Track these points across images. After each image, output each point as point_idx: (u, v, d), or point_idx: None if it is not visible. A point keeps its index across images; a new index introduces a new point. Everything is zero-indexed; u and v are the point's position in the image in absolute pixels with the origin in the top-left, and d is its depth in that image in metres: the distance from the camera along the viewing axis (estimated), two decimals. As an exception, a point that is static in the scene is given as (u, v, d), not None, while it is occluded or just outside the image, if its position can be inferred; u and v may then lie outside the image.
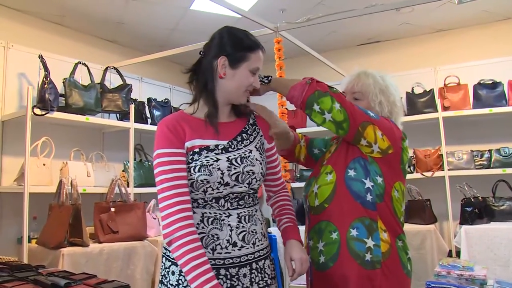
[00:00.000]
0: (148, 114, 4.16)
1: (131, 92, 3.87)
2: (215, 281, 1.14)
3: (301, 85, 1.40)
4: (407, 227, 3.79)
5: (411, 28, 4.35)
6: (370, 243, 1.38)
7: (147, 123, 4.08)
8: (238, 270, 1.24)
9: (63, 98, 3.43)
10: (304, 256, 1.35)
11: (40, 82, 3.27)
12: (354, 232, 1.39)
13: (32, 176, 3.18)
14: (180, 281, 1.23)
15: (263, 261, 1.32)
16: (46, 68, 3.28)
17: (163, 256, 1.31)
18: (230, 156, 1.28)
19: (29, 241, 3.27)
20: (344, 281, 1.37)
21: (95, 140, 3.99)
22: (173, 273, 1.25)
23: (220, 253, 1.23)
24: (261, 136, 1.42)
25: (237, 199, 1.27)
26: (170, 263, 1.26)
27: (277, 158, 1.49)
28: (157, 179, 1.24)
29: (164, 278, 1.28)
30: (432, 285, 2.77)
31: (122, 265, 3.17)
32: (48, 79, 3.24)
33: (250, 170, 1.29)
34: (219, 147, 1.29)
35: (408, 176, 3.97)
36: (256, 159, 1.32)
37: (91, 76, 3.64)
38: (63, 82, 3.44)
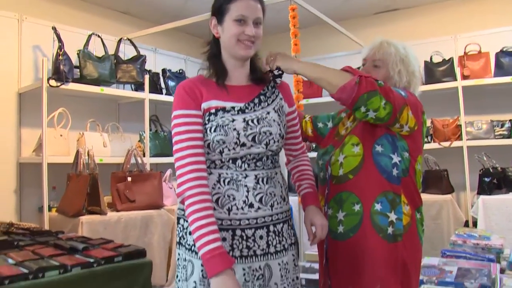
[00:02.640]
0: (163, 85, 4.15)
1: (145, 63, 3.86)
2: (218, 243, 1.14)
3: (351, 87, 1.31)
4: (424, 197, 3.74)
5: (429, -6, 4.21)
6: (392, 217, 1.39)
7: (162, 94, 4.08)
8: (254, 231, 1.24)
9: (78, 70, 3.44)
10: (325, 222, 1.36)
11: (55, 54, 3.28)
12: (378, 207, 1.39)
13: (50, 146, 3.23)
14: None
15: (281, 224, 1.31)
16: (60, 40, 3.28)
17: (180, 218, 1.32)
18: (246, 117, 1.27)
19: (49, 210, 3.35)
20: (363, 252, 1.38)
21: (110, 111, 4.01)
22: (190, 233, 1.26)
23: (236, 214, 1.23)
24: (281, 99, 1.40)
25: (254, 160, 1.27)
26: (187, 223, 1.27)
27: (297, 123, 1.48)
28: (173, 140, 1.26)
29: (182, 239, 1.30)
30: (448, 253, 2.77)
31: (140, 233, 3.24)
32: (62, 50, 3.24)
33: (267, 130, 1.28)
34: (236, 109, 1.28)
35: (426, 146, 3.92)
36: (274, 120, 1.31)
37: (105, 48, 3.63)
38: (77, 54, 3.45)
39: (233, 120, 1.25)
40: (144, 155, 3.72)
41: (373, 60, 1.61)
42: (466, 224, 3.72)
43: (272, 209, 1.28)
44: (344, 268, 1.41)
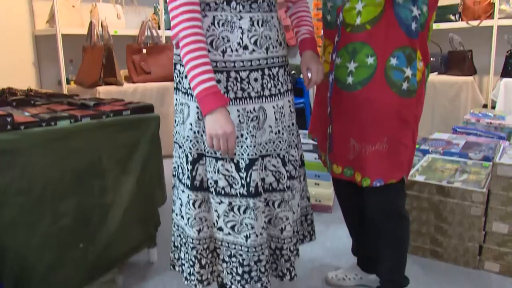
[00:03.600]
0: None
1: None
2: (213, 82, 1.14)
3: None
4: (444, 78, 3.68)
5: None
6: (408, 72, 1.35)
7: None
8: (249, 74, 1.23)
9: None
10: (321, 66, 1.35)
11: None
12: (394, 61, 1.34)
13: (63, 18, 3.19)
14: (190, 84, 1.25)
15: (277, 69, 1.30)
16: None
17: (177, 63, 1.32)
18: None
19: (68, 83, 3.42)
20: (372, 105, 1.36)
21: (123, -17, 3.87)
22: (185, 77, 1.27)
23: (231, 56, 1.21)
24: None
25: (249, 2, 1.21)
26: (183, 68, 1.28)
27: None
28: None
29: (178, 84, 1.31)
30: (458, 130, 2.77)
31: (156, 104, 3.26)
32: None
33: None
34: None
35: (451, 25, 3.73)
36: None
37: None
38: None
39: None
40: (159, 28, 3.66)
41: None
42: (485, 107, 3.65)
43: (267, 52, 1.26)
44: (349, 119, 1.40)
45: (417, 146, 2.38)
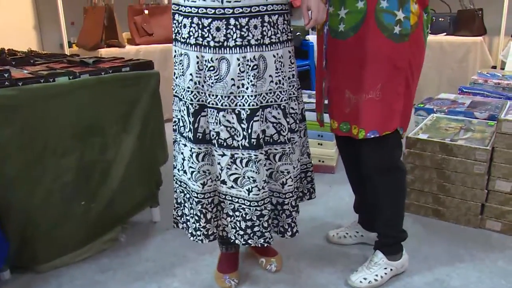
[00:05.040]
0: None
1: None
2: None
3: None
4: (452, 39, 3.59)
5: None
6: (400, 15, 1.29)
7: None
8: (248, 20, 1.20)
9: None
10: (322, 5, 1.28)
11: None
12: (384, 4, 1.28)
13: (61, -24, 3.12)
14: (191, 33, 1.22)
15: (276, 16, 1.25)
16: None
17: (175, 13, 1.29)
18: None
19: (70, 46, 3.39)
20: (365, 51, 1.31)
21: None
22: (184, 26, 1.24)
23: (229, 2, 1.17)
24: None
25: None
26: (182, 17, 1.24)
27: None
28: None
29: (177, 34, 1.28)
30: (465, 90, 2.72)
31: (159, 67, 3.19)
32: None
33: None
34: None
35: (462, -18, 3.61)
36: None
37: None
38: None
39: None
40: (160, -12, 3.58)
41: None
42: (494, 68, 3.58)
43: None
44: (343, 68, 1.37)
45: (421, 105, 2.35)
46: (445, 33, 3.66)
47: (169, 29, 3.32)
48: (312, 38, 3.82)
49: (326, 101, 1.52)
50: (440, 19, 3.70)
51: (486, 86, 2.78)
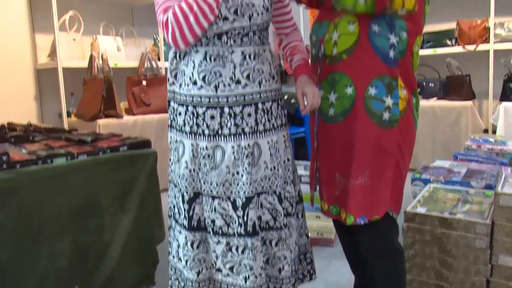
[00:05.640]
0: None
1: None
2: None
3: None
4: (443, 103, 3.68)
5: None
6: (389, 101, 1.32)
7: (175, -3, 3.94)
8: (242, 108, 1.23)
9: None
10: (316, 90, 1.32)
11: (61, -49, 3.15)
12: (372, 91, 1.31)
13: (64, 51, 3.23)
14: (186, 121, 1.25)
15: (270, 103, 1.29)
16: None
17: (171, 100, 1.32)
18: None
19: (69, 116, 3.44)
20: (353, 137, 1.33)
21: (124, 15, 3.93)
22: (179, 113, 1.27)
23: (223, 91, 1.21)
24: None
25: (240, 36, 1.22)
26: (177, 105, 1.28)
27: None
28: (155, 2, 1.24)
29: (173, 121, 1.31)
30: (459, 156, 2.74)
31: (156, 137, 3.31)
32: None
33: (250, 2, 1.21)
34: None
35: (449, 50, 3.76)
36: None
37: None
38: (84, -49, 3.31)
39: None
40: (159, 59, 3.69)
41: None
42: (485, 132, 3.64)
43: (260, 86, 1.26)
44: (333, 152, 1.38)
45: (417, 176, 2.35)
46: (436, 98, 3.76)
47: (166, 99, 3.39)
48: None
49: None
50: (430, 84, 3.82)
51: (480, 152, 2.81)
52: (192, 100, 1.24)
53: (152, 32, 3.87)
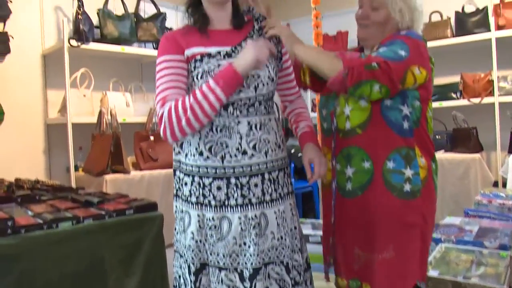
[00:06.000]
0: (184, 44, 4.11)
1: (165, 20, 3.82)
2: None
3: (339, 82, 1.29)
4: (451, 156, 3.66)
5: None
6: (408, 173, 1.30)
7: (183, 54, 4.04)
8: (249, 179, 1.23)
9: (98, 30, 3.45)
10: (323, 159, 1.33)
11: (74, 13, 3.29)
12: (390, 165, 1.30)
13: (74, 107, 3.30)
14: (192, 191, 1.24)
15: (277, 172, 1.29)
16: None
17: (176, 169, 1.33)
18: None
19: (76, 170, 3.45)
20: (374, 211, 1.31)
21: (134, 71, 4.03)
22: (185, 184, 1.27)
23: (230, 162, 1.21)
24: (269, 42, 1.35)
25: (246, 106, 1.24)
26: (183, 174, 1.28)
27: (290, 65, 1.43)
28: (156, 84, 1.26)
29: (178, 190, 1.31)
30: (471, 213, 2.69)
31: (162, 192, 3.30)
32: (82, 10, 3.25)
33: (255, 73, 1.24)
34: (222, 53, 1.25)
35: (454, 103, 3.78)
36: None
37: (124, 6, 3.61)
38: (97, 13, 3.44)
39: (219, 65, 1.22)
40: (166, 115, 3.74)
41: (371, 1, 1.45)
42: (495, 185, 3.59)
43: (266, 156, 1.26)
44: (351, 227, 1.35)
45: (428, 234, 2.31)
46: (443, 150, 3.74)
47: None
48: (313, 157, 3.89)
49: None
50: (437, 136, 3.82)
51: (491, 207, 2.76)
52: (199, 171, 1.24)
53: (160, 87, 3.94)
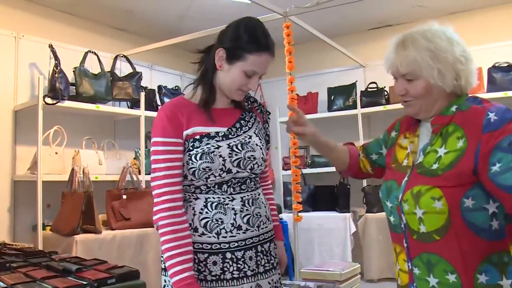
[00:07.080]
0: (158, 102, 4.17)
1: (141, 79, 3.88)
2: (186, 274, 1.17)
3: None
4: None
5: (423, 11, 4.26)
6: (506, 283, 1.09)
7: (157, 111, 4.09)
8: (244, 253, 1.25)
9: (74, 87, 3.46)
10: (284, 257, 1.46)
11: (51, 71, 3.30)
12: (483, 278, 1.09)
13: (45, 164, 3.23)
14: None
15: (268, 243, 1.34)
16: (56, 58, 3.30)
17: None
18: (230, 142, 1.28)
19: (44, 229, 3.32)
20: None
21: (106, 129, 4.02)
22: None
23: (225, 237, 1.24)
24: (259, 122, 1.42)
25: (239, 184, 1.28)
26: None
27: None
28: (152, 166, 1.27)
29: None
30: None
31: (135, 252, 3.22)
32: (58, 68, 3.26)
33: (252, 155, 1.29)
34: (220, 134, 1.29)
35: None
36: (256, 144, 1.32)
37: (101, 65, 3.65)
38: (73, 71, 3.47)
39: (218, 147, 1.26)
40: (139, 173, 3.72)
41: (402, 75, 1.25)
42: None
43: (259, 229, 1.31)
44: None
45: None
46: None
47: (145, 213, 3.37)
48: (285, 216, 3.93)
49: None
50: None
51: None
52: (194, 247, 1.25)
53: (133, 145, 3.94)
